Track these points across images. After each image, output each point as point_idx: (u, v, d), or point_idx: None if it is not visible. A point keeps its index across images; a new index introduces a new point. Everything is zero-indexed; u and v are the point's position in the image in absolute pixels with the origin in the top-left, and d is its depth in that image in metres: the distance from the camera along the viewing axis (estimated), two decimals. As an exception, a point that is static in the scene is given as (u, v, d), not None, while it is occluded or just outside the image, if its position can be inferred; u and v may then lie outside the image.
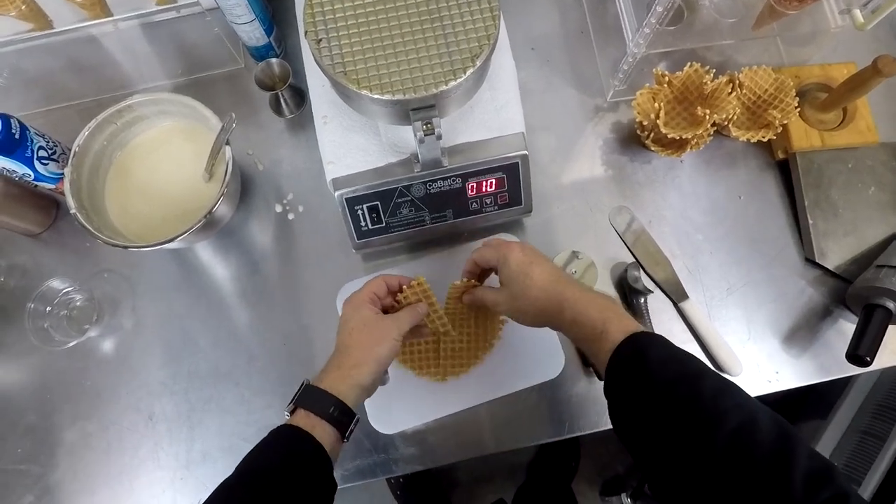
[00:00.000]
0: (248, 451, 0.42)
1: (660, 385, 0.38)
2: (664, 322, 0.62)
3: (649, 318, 0.61)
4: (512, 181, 0.59)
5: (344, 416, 0.44)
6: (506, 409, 0.60)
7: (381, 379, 0.48)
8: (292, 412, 0.45)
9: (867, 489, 0.68)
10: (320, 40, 0.47)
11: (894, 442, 0.68)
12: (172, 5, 0.62)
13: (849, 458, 0.74)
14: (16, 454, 0.60)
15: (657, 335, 0.42)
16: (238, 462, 0.42)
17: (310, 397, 0.45)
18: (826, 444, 0.76)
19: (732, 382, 0.39)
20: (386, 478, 0.90)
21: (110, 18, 0.61)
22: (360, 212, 0.59)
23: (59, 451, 0.60)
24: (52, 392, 0.62)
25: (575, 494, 1.15)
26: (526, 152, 0.57)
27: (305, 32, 0.47)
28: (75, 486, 0.60)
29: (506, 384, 0.60)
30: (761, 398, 0.60)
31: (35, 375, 0.63)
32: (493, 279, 0.53)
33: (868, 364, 0.54)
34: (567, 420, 0.60)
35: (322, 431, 0.43)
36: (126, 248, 0.57)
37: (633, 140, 0.69)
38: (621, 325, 0.42)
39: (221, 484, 0.41)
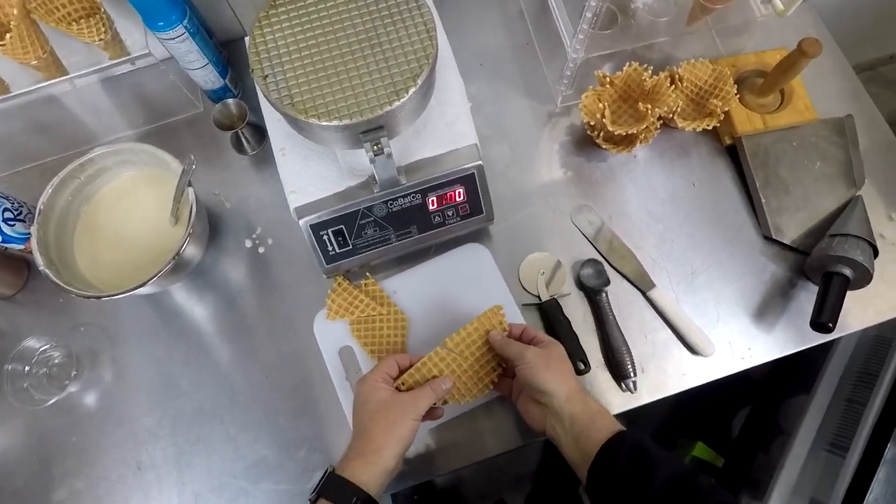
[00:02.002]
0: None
1: (662, 480, 0.43)
2: (634, 311, 0.64)
3: (611, 311, 0.62)
4: (470, 192, 0.61)
5: None
6: (498, 415, 0.60)
7: (403, 456, 0.49)
8: (315, 501, 0.45)
9: (853, 454, 0.69)
10: (266, 76, 0.49)
11: (874, 406, 0.69)
12: (126, 58, 0.63)
13: (837, 428, 0.75)
14: (3, 519, 0.60)
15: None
16: (230, 501, 0.42)
17: (333, 488, 0.45)
18: (813, 416, 0.77)
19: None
20: (392, 494, 0.89)
21: (66, 77, 0.62)
22: (325, 237, 0.60)
23: (48, 513, 0.60)
24: (38, 453, 0.62)
25: (583, 500, 1.14)
26: (480, 162, 0.59)
27: (252, 70, 0.49)
28: (66, 547, 0.59)
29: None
30: (740, 375, 0.62)
31: (19, 438, 0.62)
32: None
33: (831, 330, 0.55)
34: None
35: None
36: (99, 298, 0.57)
37: (586, 141, 0.71)
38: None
39: None
